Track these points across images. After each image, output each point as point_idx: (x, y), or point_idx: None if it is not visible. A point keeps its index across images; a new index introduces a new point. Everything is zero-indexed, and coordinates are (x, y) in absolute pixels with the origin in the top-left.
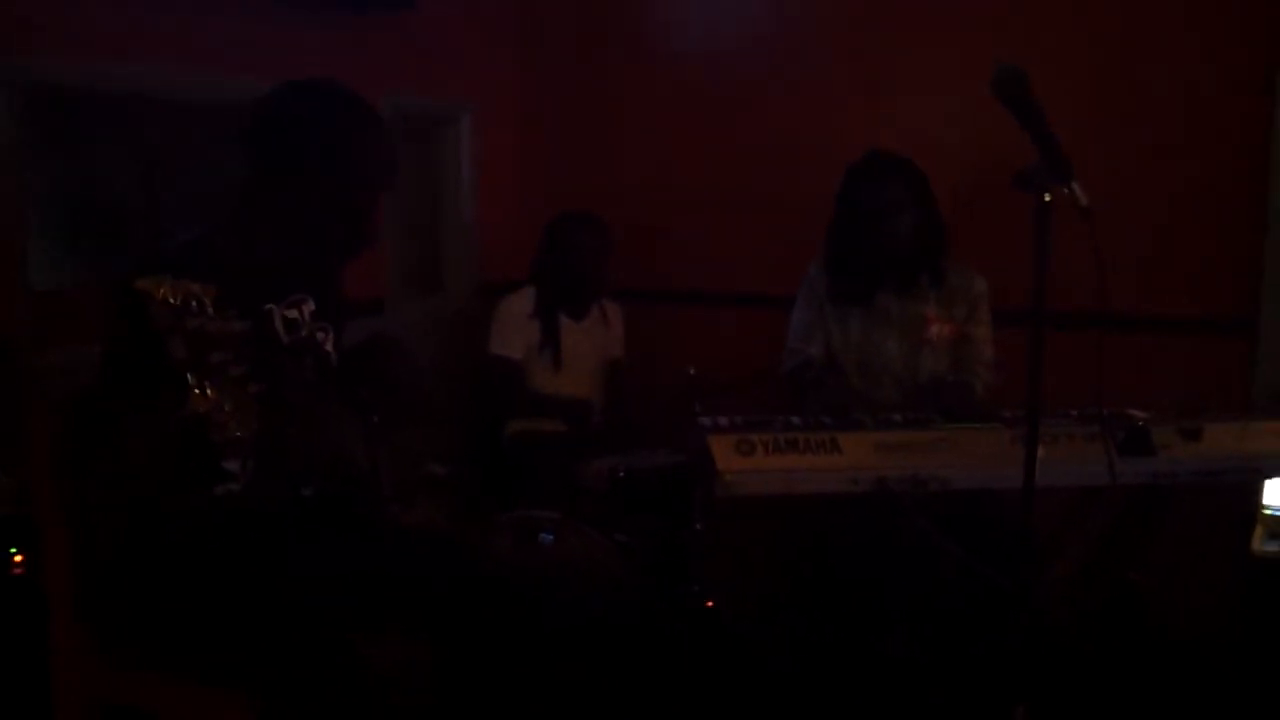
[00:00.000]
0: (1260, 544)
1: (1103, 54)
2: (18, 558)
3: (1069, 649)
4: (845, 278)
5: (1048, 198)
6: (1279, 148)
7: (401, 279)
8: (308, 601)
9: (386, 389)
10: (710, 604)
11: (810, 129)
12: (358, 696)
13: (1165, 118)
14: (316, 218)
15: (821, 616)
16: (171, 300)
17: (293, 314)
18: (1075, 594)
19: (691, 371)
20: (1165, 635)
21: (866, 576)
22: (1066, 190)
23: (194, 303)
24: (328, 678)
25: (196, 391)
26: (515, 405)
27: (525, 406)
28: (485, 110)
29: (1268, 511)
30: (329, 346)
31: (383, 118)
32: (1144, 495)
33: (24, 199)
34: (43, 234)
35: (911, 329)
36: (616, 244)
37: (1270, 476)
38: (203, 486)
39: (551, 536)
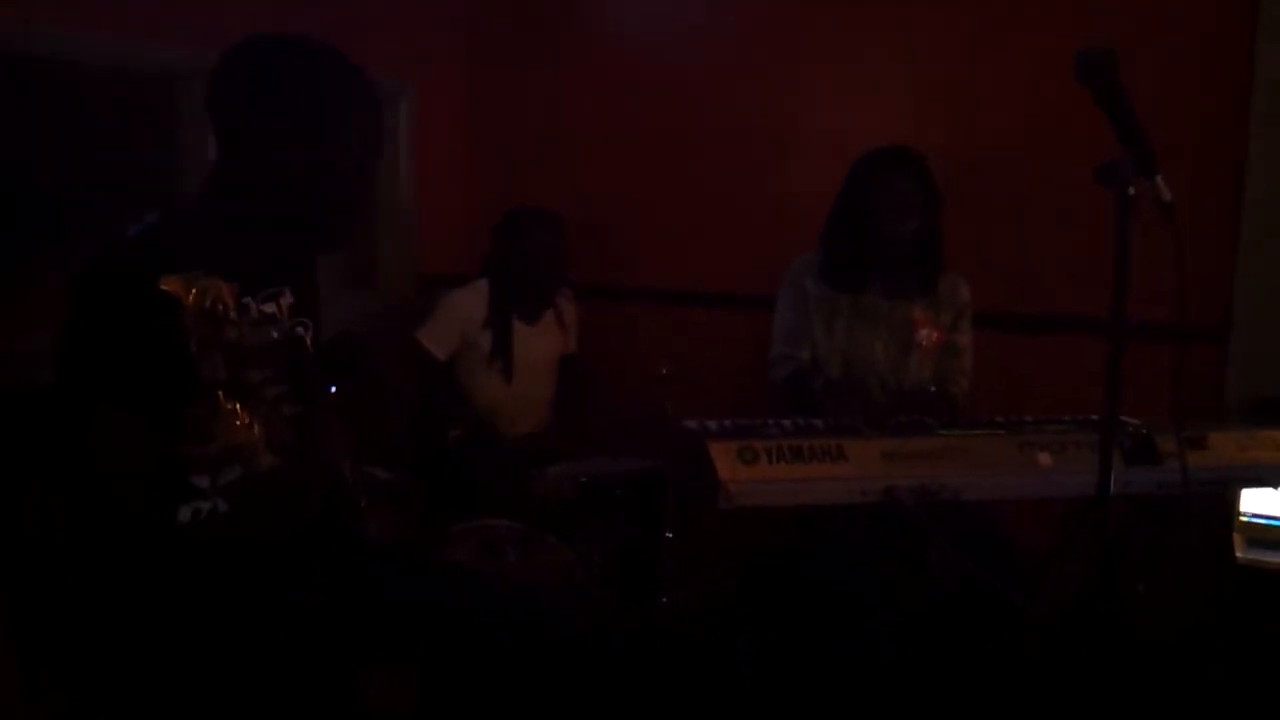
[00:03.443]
0: (1242, 552)
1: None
2: None
3: (1067, 662)
4: (838, 265)
5: (1132, 191)
6: (1255, 148)
7: (332, 272)
8: (304, 644)
9: (363, 390)
10: (674, 613)
11: (776, 119)
12: None
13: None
14: (297, 195)
15: (796, 626)
16: (206, 305)
17: (270, 308)
18: (1077, 607)
19: (664, 371)
20: (1155, 644)
21: (848, 584)
22: (1150, 184)
23: (220, 306)
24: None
25: (237, 422)
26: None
27: (432, 407)
28: (425, 91)
29: (1243, 519)
30: (308, 344)
31: (366, 75)
32: (1148, 505)
33: None
34: None
35: (900, 331)
36: (570, 238)
37: (1275, 485)
38: (169, 505)
39: (517, 551)
